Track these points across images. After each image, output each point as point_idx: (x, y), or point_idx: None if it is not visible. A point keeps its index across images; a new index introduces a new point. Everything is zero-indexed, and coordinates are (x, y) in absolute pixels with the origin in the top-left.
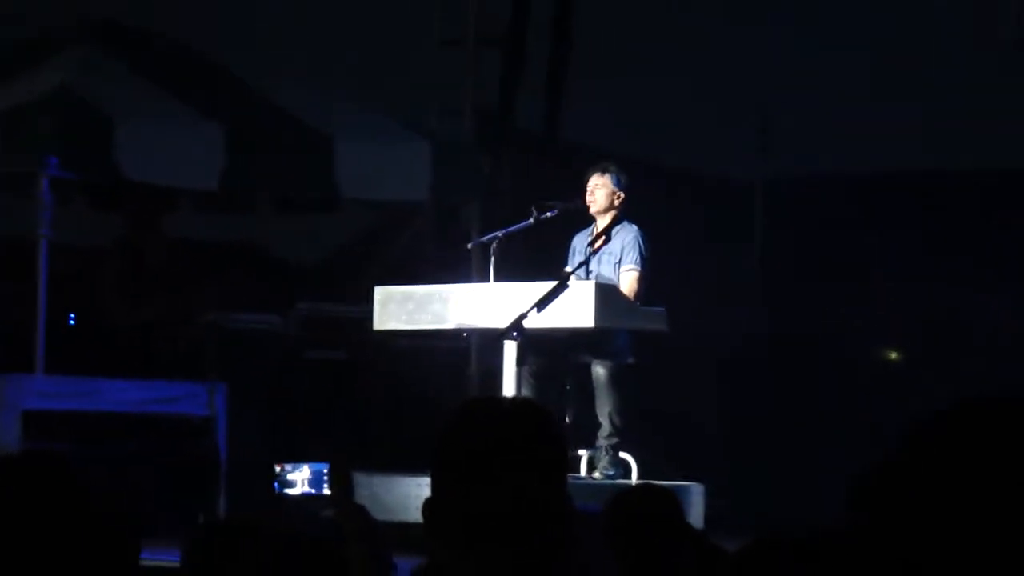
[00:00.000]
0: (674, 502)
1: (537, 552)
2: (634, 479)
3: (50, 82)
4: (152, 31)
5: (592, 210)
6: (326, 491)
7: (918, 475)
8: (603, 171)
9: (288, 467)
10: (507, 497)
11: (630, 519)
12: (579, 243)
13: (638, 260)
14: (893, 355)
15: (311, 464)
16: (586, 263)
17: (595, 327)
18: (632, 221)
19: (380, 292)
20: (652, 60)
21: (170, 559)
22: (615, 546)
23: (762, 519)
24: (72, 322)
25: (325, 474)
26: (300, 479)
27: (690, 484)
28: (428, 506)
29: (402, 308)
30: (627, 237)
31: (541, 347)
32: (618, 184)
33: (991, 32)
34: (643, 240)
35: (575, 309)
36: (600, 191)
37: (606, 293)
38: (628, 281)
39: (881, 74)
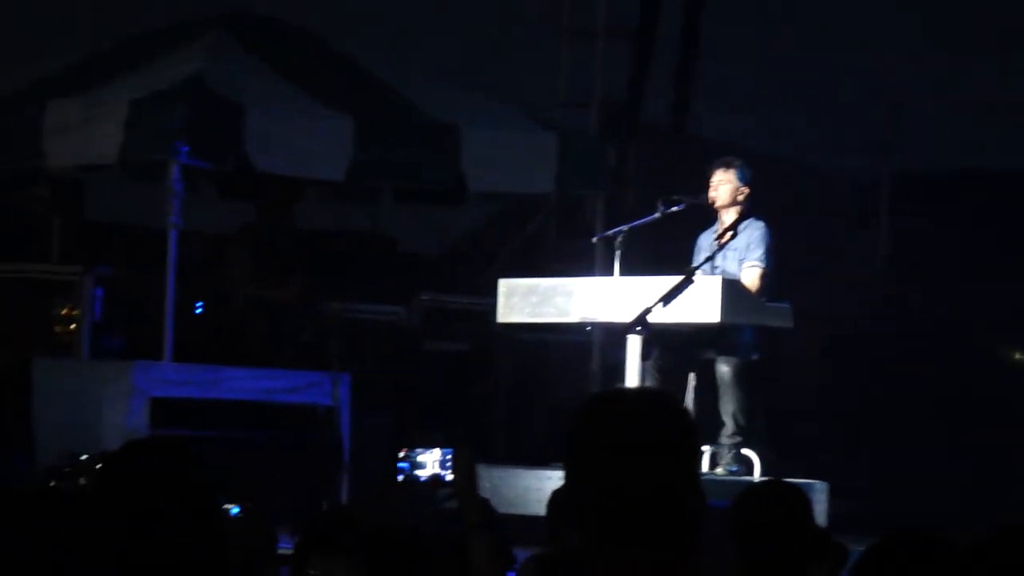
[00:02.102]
0: (803, 500)
1: (674, 544)
2: (757, 476)
3: (183, 71)
4: (283, 22)
5: (716, 205)
6: (448, 476)
7: None
8: (727, 166)
9: (419, 449)
10: (641, 487)
11: (758, 516)
12: (705, 241)
13: (763, 256)
14: (1019, 355)
15: (441, 448)
16: (711, 259)
17: (720, 323)
18: (759, 217)
19: (504, 284)
20: (780, 52)
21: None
22: (741, 542)
23: (886, 518)
24: (199, 310)
25: (448, 459)
26: (431, 461)
27: (813, 482)
28: (559, 496)
29: (526, 301)
30: (753, 233)
31: (665, 342)
32: (742, 179)
33: None
34: (769, 236)
35: (701, 305)
36: (724, 186)
37: (732, 289)
38: (752, 277)
39: (1012, 66)
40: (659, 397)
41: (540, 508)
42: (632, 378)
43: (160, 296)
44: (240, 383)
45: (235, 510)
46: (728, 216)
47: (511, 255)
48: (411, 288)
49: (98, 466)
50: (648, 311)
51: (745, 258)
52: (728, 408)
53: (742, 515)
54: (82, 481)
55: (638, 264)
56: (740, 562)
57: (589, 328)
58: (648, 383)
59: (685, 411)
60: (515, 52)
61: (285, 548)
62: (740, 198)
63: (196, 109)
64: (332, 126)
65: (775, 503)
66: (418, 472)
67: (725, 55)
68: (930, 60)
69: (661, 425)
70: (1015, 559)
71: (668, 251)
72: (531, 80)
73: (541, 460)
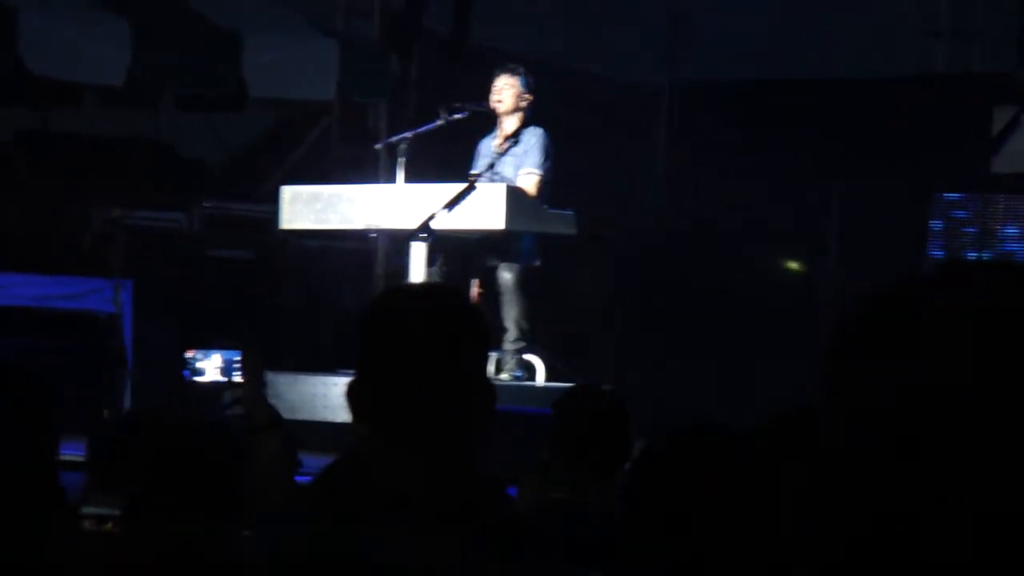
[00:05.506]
0: (621, 403)
1: (459, 441)
2: (540, 381)
3: None
4: None
5: (499, 111)
6: (236, 379)
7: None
8: (511, 72)
9: (199, 355)
10: (430, 382)
11: (580, 418)
12: (484, 147)
13: (539, 163)
14: (794, 265)
15: (222, 352)
16: (492, 165)
17: (505, 229)
18: (539, 124)
19: (287, 191)
20: None
21: (74, 453)
22: (567, 447)
23: (666, 419)
24: None
25: (236, 362)
26: (210, 367)
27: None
28: (352, 390)
29: (309, 208)
30: (531, 140)
31: (449, 249)
32: (526, 86)
33: None
34: (547, 143)
35: (486, 211)
36: (507, 91)
37: (516, 196)
38: (528, 184)
39: None
40: (448, 292)
41: (326, 414)
42: None
43: None
44: (18, 290)
45: None
46: (509, 123)
47: (294, 162)
48: (193, 195)
49: None
50: (432, 217)
51: (522, 164)
52: (511, 314)
53: (566, 419)
54: None
55: (422, 171)
56: (563, 465)
57: (373, 235)
58: None
59: (473, 305)
60: None
61: (70, 454)
62: (523, 104)
63: None
64: (109, 30)
65: (597, 406)
66: (197, 378)
67: None
68: None
69: (449, 319)
70: (793, 439)
71: (451, 158)
72: None
73: (327, 366)
